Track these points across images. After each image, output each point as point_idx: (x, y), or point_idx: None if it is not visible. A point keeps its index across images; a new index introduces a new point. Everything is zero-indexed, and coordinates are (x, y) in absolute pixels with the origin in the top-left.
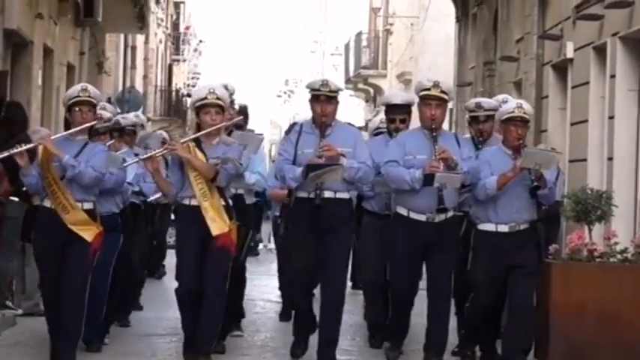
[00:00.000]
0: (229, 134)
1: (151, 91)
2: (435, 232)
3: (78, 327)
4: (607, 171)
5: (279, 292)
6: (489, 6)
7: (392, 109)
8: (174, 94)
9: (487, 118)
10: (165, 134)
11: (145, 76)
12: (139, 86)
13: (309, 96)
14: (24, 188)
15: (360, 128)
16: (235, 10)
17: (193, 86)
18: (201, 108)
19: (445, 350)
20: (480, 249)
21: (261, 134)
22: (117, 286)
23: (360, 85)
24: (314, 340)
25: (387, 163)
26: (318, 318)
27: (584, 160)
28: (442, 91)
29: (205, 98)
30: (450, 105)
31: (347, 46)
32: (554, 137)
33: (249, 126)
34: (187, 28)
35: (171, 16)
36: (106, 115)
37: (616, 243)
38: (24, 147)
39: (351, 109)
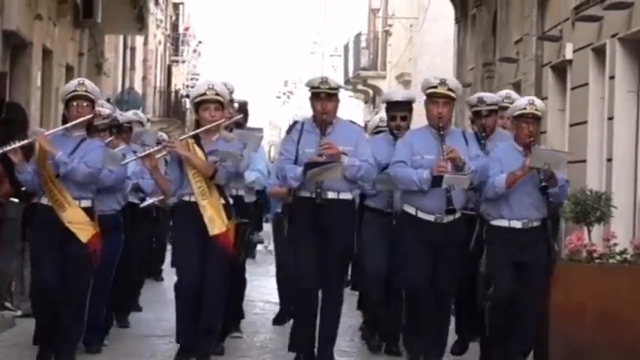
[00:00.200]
0: (230, 132)
1: (150, 92)
2: (443, 233)
3: (79, 328)
4: (606, 172)
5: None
6: (488, 7)
7: (392, 107)
8: (173, 95)
9: (489, 113)
10: (165, 135)
11: (144, 77)
12: (138, 87)
13: (309, 95)
14: (24, 189)
15: None
16: (234, 11)
17: (192, 87)
18: (200, 104)
19: (445, 351)
20: (493, 243)
21: (261, 129)
22: (116, 287)
23: (360, 86)
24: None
25: (394, 164)
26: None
27: (584, 161)
28: (449, 89)
29: (204, 94)
30: None
31: (346, 47)
32: (554, 138)
33: (250, 124)
34: (186, 29)
35: (171, 17)
36: (105, 111)
37: (615, 244)
38: (17, 144)
39: (351, 110)
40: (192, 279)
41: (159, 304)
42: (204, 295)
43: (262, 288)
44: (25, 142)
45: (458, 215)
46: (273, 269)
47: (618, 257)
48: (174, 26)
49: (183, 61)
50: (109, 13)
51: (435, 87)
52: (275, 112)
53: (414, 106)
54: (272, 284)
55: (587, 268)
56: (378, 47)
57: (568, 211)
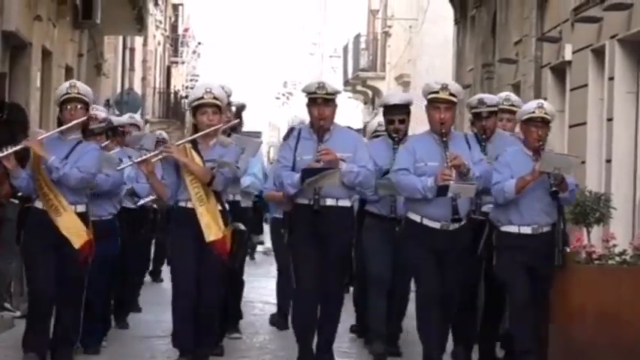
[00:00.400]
0: (227, 137)
1: (150, 93)
2: (448, 240)
3: (75, 331)
4: (605, 173)
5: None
6: (488, 8)
7: (390, 110)
8: (172, 96)
9: (490, 115)
10: (165, 134)
11: (144, 78)
12: (137, 88)
13: (306, 100)
14: (20, 194)
15: (358, 130)
16: (234, 12)
17: (192, 88)
18: (197, 108)
19: (444, 351)
20: (503, 248)
21: (259, 134)
22: (114, 289)
23: (359, 87)
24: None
25: (397, 172)
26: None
27: (583, 162)
28: (451, 94)
29: (202, 98)
30: None
31: (345, 48)
32: (553, 140)
33: (249, 126)
34: (186, 30)
35: (170, 18)
36: (101, 115)
37: (614, 245)
38: (10, 150)
39: (350, 112)
40: (188, 285)
41: (159, 305)
42: (200, 300)
43: (262, 289)
44: (18, 147)
45: (463, 222)
46: (273, 270)
47: (617, 258)
48: (174, 27)
49: (183, 62)
50: (108, 14)
51: (437, 92)
52: (274, 113)
53: (412, 110)
54: (272, 285)
55: (586, 269)
56: (377, 48)
57: (567, 213)
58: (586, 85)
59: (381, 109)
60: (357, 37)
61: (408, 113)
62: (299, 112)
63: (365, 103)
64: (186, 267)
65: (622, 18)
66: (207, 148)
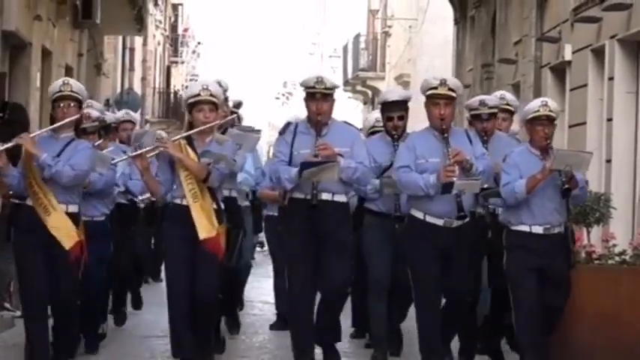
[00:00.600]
0: (224, 132)
1: (150, 92)
2: (452, 237)
3: (73, 332)
4: (605, 173)
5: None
6: (487, 8)
7: (389, 107)
8: (172, 95)
9: (490, 117)
10: (164, 134)
11: (144, 78)
12: (137, 88)
13: (304, 94)
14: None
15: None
16: (233, 12)
17: None
18: (194, 105)
19: (450, 352)
20: (513, 248)
21: (259, 130)
22: (109, 290)
23: (359, 87)
24: None
25: (398, 169)
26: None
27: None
28: (450, 89)
29: (198, 95)
30: None
31: (345, 48)
32: (553, 139)
33: (248, 124)
34: (186, 30)
35: (170, 18)
36: (94, 113)
37: (614, 245)
38: (1, 147)
39: (349, 111)
40: (182, 288)
41: (158, 305)
42: (195, 302)
43: (261, 289)
44: (10, 144)
45: (467, 219)
46: (271, 270)
47: (617, 258)
48: (174, 27)
49: (183, 62)
50: (108, 13)
51: (436, 88)
52: (274, 113)
53: (410, 106)
54: (270, 285)
55: (586, 269)
56: (377, 48)
57: None
58: (586, 85)
59: (379, 107)
60: (357, 37)
61: (407, 110)
62: (299, 112)
63: (365, 103)
64: (179, 271)
65: (622, 18)
66: (203, 145)
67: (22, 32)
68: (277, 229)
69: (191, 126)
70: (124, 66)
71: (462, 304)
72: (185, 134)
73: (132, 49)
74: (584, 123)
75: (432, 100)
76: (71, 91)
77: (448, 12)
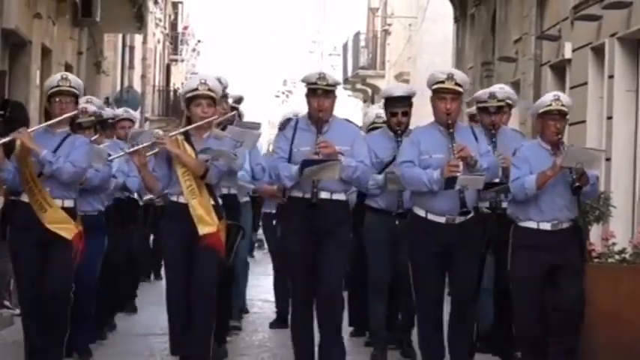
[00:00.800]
0: (224, 129)
1: (149, 90)
2: (455, 234)
3: (63, 328)
4: (605, 172)
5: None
6: (487, 7)
7: (393, 103)
8: (172, 94)
9: (498, 110)
10: (161, 132)
11: (143, 76)
12: (137, 86)
13: (305, 91)
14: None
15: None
16: (233, 10)
17: None
18: (192, 99)
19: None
20: (519, 246)
21: (258, 125)
22: (106, 287)
23: (358, 86)
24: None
25: (402, 164)
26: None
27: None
28: (457, 84)
29: (196, 89)
30: None
31: (345, 47)
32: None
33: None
34: (185, 28)
35: (170, 16)
36: (91, 108)
37: (614, 244)
38: None
39: (349, 110)
40: (181, 286)
41: (157, 303)
42: (192, 302)
43: (261, 287)
44: (7, 139)
45: (470, 215)
46: (271, 268)
47: (617, 257)
48: (173, 25)
49: (182, 60)
50: (108, 12)
51: (442, 82)
52: (274, 111)
53: (413, 102)
54: (270, 283)
55: (585, 267)
56: (377, 46)
57: None
58: (586, 84)
59: (381, 102)
60: (357, 35)
61: (411, 105)
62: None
63: (364, 102)
64: (179, 267)
65: (621, 16)
66: (200, 140)
67: (22, 30)
68: (272, 224)
69: (189, 121)
70: (123, 64)
71: (468, 306)
72: (183, 129)
73: (132, 47)
74: (584, 121)
75: (439, 94)
76: (70, 86)
77: (448, 10)
